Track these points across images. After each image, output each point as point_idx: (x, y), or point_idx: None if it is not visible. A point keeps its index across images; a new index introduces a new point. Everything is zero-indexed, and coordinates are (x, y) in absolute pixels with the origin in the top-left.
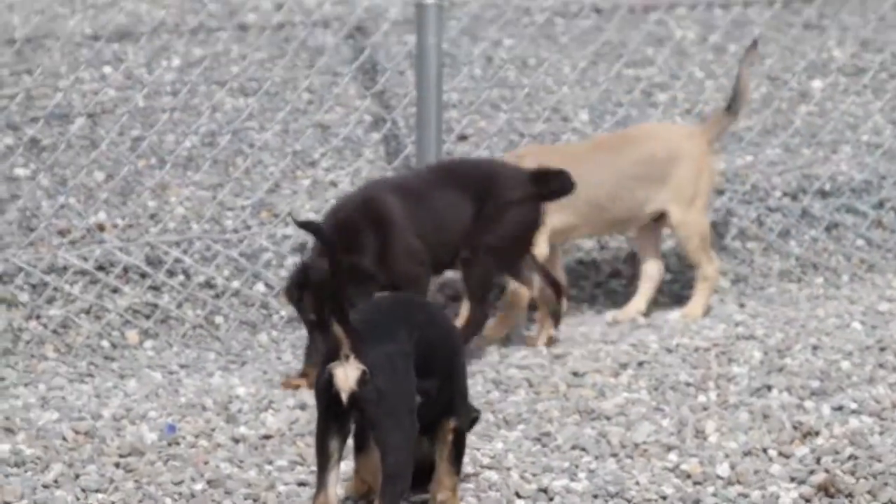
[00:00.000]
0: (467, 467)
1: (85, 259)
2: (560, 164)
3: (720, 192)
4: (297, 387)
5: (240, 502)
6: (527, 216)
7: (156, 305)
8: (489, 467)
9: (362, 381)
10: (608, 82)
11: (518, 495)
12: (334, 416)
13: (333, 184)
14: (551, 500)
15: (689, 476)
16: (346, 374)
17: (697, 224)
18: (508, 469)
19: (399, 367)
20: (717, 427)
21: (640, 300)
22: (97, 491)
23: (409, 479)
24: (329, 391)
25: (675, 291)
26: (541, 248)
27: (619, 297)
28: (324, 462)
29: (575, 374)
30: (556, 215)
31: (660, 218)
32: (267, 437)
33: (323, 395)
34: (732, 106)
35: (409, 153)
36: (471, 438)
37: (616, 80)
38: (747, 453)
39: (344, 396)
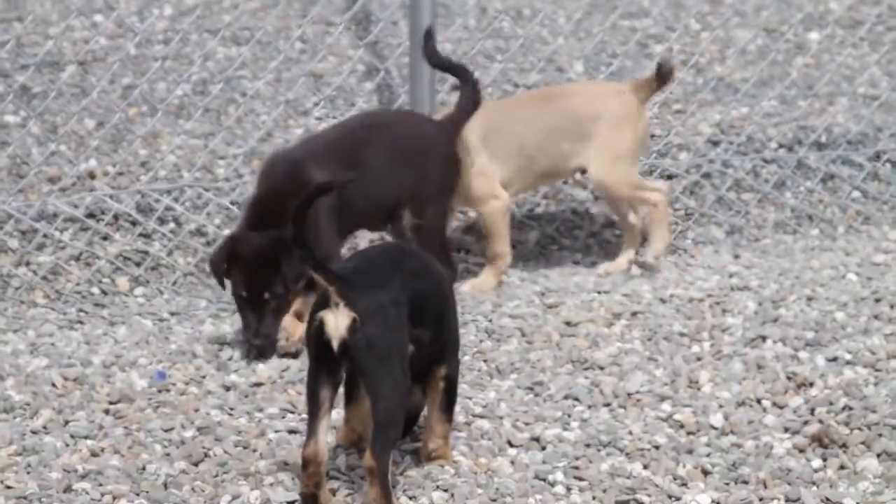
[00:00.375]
0: (459, 416)
1: (75, 206)
2: (490, 118)
3: (715, 144)
4: None
5: (230, 449)
6: (457, 167)
7: (146, 253)
8: (481, 416)
9: (353, 328)
10: (603, 33)
11: (510, 444)
12: (325, 363)
13: None
14: (543, 448)
15: (682, 426)
16: (337, 322)
17: (620, 179)
18: (501, 418)
19: (391, 316)
20: (711, 377)
21: (629, 251)
22: (86, 437)
23: (400, 428)
24: (320, 338)
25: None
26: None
27: (613, 248)
28: (315, 410)
29: (568, 323)
30: (491, 169)
31: None
32: (257, 384)
33: (314, 342)
34: (660, 73)
35: (403, 103)
36: (463, 387)
37: (611, 30)
38: (741, 403)
39: (335, 344)
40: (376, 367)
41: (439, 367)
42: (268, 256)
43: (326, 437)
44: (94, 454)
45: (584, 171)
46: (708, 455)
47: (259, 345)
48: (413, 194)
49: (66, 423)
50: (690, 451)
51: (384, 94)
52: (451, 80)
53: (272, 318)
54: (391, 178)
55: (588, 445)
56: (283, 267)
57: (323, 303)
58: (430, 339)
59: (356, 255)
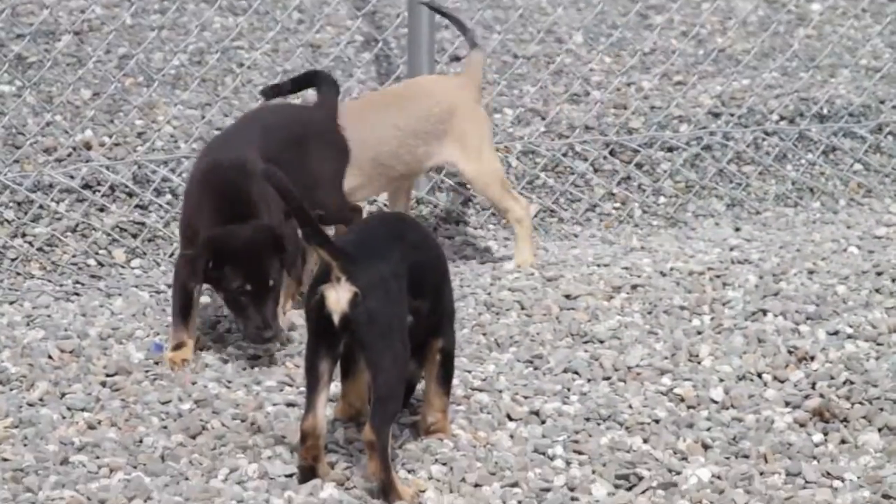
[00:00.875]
0: (458, 390)
1: (71, 177)
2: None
3: (716, 116)
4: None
5: (228, 422)
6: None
7: (143, 224)
8: (480, 389)
9: (354, 302)
10: (603, 3)
11: (509, 417)
12: (325, 337)
13: None
14: (543, 422)
15: (682, 400)
16: (338, 296)
17: (491, 172)
18: (500, 391)
19: (392, 289)
20: (711, 351)
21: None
22: (83, 409)
23: (400, 401)
24: (320, 312)
25: (669, 214)
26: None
27: (613, 220)
28: (313, 383)
29: (567, 296)
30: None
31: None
32: (255, 357)
33: (314, 316)
34: (471, 41)
35: (401, 74)
36: (462, 360)
37: (611, 1)
38: (741, 377)
39: (336, 318)
40: (377, 340)
41: (436, 339)
42: (263, 246)
43: (325, 411)
44: (90, 427)
45: (439, 170)
46: (708, 429)
47: (270, 336)
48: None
49: (63, 395)
50: (691, 426)
51: (382, 64)
52: (450, 50)
53: (273, 306)
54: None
55: (588, 419)
56: (286, 253)
57: (323, 277)
58: (429, 310)
59: (356, 227)
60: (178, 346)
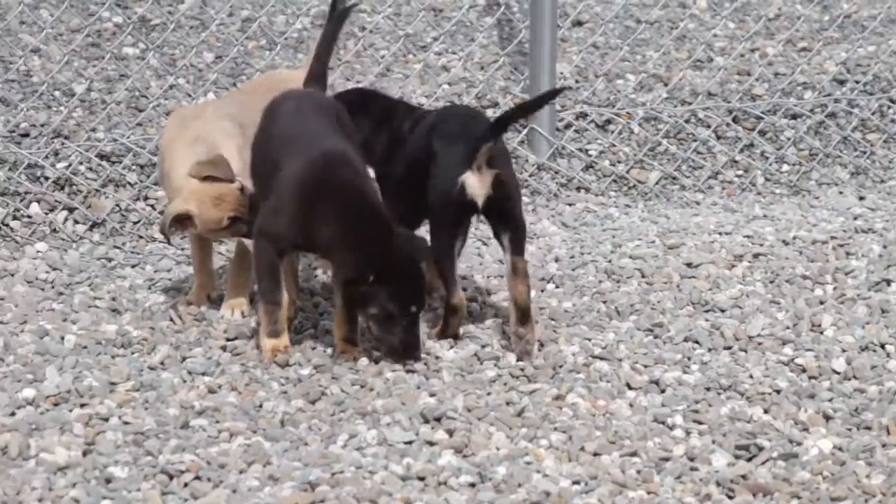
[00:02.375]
0: (578, 357)
1: None
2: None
3: (841, 83)
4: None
5: (347, 388)
6: None
7: None
8: (600, 357)
9: (497, 184)
10: None
11: (629, 386)
12: (462, 222)
13: (445, 68)
14: (663, 391)
15: (804, 370)
16: (482, 181)
17: None
18: (620, 360)
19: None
20: (834, 321)
21: None
22: (203, 374)
23: None
24: (463, 199)
25: (793, 182)
26: None
27: (735, 188)
28: (450, 265)
29: (689, 265)
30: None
31: None
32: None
33: (456, 204)
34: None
35: (524, 38)
36: (581, 328)
37: None
38: (864, 348)
39: (479, 202)
40: (516, 205)
41: None
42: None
43: None
44: (211, 391)
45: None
46: (830, 400)
47: (419, 356)
48: None
49: (184, 359)
50: (812, 396)
51: (504, 29)
52: (573, 15)
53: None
54: None
55: (708, 389)
56: None
57: (454, 170)
58: None
59: (446, 116)
60: (275, 334)
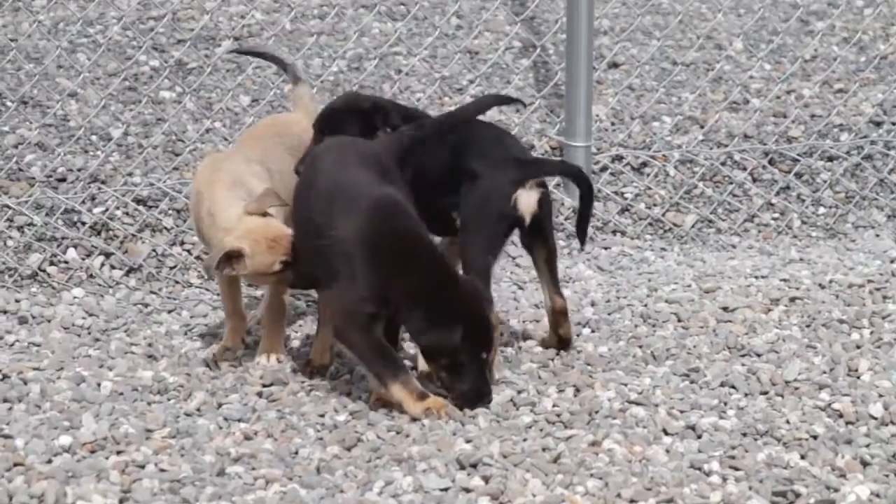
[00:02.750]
0: (614, 403)
1: None
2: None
3: (877, 125)
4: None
5: (383, 434)
6: None
7: None
8: (636, 403)
9: (541, 202)
10: (764, 9)
11: (665, 432)
12: (507, 237)
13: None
14: (699, 437)
15: (840, 415)
16: (530, 199)
17: None
18: (656, 405)
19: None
20: (871, 366)
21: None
22: (240, 420)
23: None
24: (514, 214)
25: (829, 225)
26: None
27: (771, 231)
28: (488, 280)
29: (725, 308)
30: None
31: None
32: (411, 369)
33: (506, 218)
34: (293, 76)
35: (559, 80)
36: (618, 373)
37: (772, 6)
38: None
39: (528, 218)
40: (550, 224)
41: None
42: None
43: None
44: (247, 437)
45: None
46: (867, 445)
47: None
48: None
49: (220, 405)
50: (849, 442)
51: (540, 71)
52: (609, 57)
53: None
54: None
55: (744, 434)
56: None
57: (505, 187)
58: None
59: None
60: (423, 396)
